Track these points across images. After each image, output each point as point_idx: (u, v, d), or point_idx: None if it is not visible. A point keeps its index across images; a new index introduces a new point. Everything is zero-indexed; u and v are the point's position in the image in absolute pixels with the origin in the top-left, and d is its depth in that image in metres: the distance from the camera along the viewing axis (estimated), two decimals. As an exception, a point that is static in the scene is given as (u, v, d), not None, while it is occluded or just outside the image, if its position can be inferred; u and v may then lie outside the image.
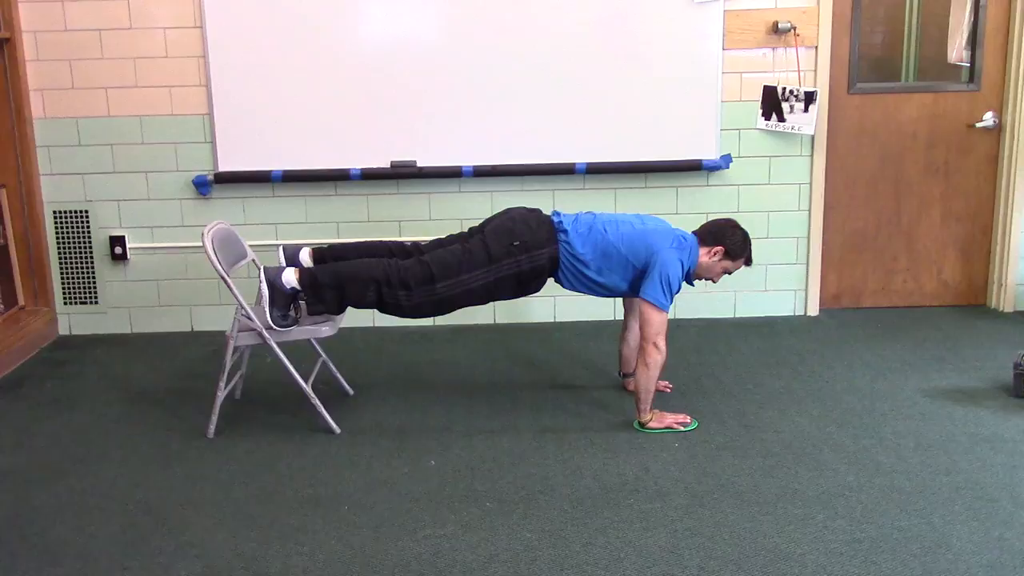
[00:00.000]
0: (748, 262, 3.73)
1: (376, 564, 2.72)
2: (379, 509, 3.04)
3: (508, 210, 3.76)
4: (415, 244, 3.77)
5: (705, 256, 3.64)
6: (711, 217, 4.85)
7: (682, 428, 3.59)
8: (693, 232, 3.70)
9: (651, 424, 3.59)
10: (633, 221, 3.69)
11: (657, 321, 3.50)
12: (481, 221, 3.76)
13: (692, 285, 3.76)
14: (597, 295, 3.72)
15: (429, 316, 3.71)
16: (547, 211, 3.73)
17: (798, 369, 4.26)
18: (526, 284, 3.61)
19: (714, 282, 3.77)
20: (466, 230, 3.79)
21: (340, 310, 3.62)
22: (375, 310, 3.62)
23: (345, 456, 3.44)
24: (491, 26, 4.68)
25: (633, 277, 3.59)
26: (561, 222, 3.62)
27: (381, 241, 3.82)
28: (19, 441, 3.65)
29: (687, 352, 4.49)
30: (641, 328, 3.56)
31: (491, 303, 3.90)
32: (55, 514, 3.05)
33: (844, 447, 3.43)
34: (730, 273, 3.74)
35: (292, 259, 3.72)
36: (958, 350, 4.48)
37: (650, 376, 3.54)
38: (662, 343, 3.51)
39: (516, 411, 3.82)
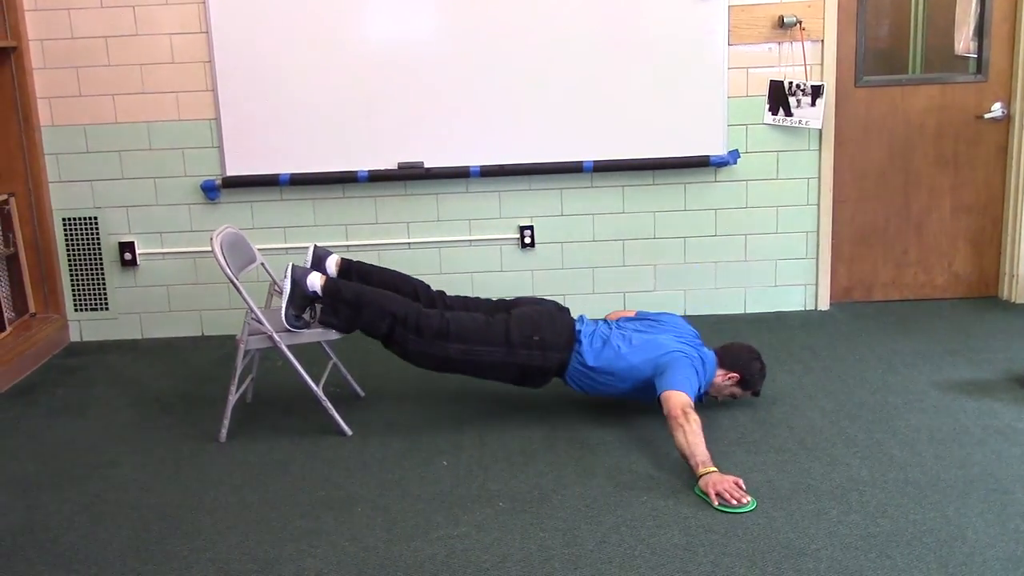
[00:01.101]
0: (756, 394, 3.71)
1: (390, 565, 2.71)
2: (392, 510, 3.04)
3: (543, 301, 3.79)
4: (440, 293, 3.79)
5: (720, 377, 3.61)
6: (720, 213, 4.91)
7: (735, 503, 2.94)
8: (713, 350, 3.66)
9: (702, 483, 3.04)
10: (653, 327, 3.66)
11: (675, 397, 3.25)
12: (512, 298, 3.79)
13: (702, 401, 3.55)
14: (606, 395, 3.68)
15: (426, 368, 3.66)
16: (575, 314, 3.73)
17: (810, 364, 4.24)
18: (528, 378, 3.61)
19: (716, 400, 3.71)
20: (494, 299, 3.82)
21: (349, 330, 3.61)
22: (382, 345, 3.60)
23: (357, 458, 3.44)
24: (495, 26, 4.68)
25: (642, 385, 3.52)
26: (581, 331, 3.60)
27: (408, 278, 3.84)
28: (31, 448, 3.66)
29: (698, 349, 4.48)
30: (666, 412, 3.24)
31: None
32: (68, 520, 3.06)
33: (857, 441, 3.42)
34: (735, 399, 3.71)
35: (319, 262, 3.75)
36: (970, 342, 4.45)
37: (687, 435, 3.13)
38: (690, 410, 3.20)
39: (527, 411, 3.82)
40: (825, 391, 3.91)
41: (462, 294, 3.97)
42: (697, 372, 3.45)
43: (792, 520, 2.87)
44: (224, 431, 3.63)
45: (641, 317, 3.84)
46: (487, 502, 3.07)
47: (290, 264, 3.57)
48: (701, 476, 3.04)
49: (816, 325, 4.81)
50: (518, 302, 3.77)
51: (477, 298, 3.85)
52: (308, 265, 3.74)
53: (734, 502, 2.94)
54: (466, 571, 2.67)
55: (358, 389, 4.06)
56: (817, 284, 5.04)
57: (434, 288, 3.85)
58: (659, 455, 3.35)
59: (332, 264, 3.78)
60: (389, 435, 3.63)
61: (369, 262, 3.98)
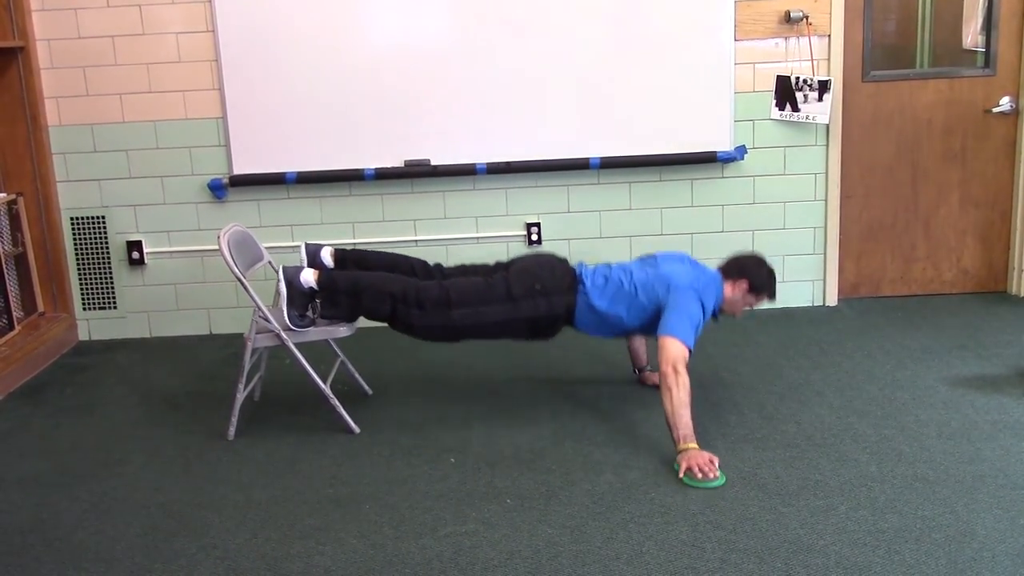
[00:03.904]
0: (772, 296, 3.68)
1: (398, 562, 2.72)
2: (400, 507, 3.04)
3: (538, 254, 3.77)
4: (438, 266, 3.78)
5: (729, 291, 3.59)
6: (727, 209, 4.90)
7: (700, 477, 3.07)
8: (717, 267, 3.66)
9: (679, 459, 3.15)
10: (651, 264, 3.64)
11: (670, 348, 3.27)
12: (510, 259, 3.76)
13: (717, 320, 3.64)
14: (618, 336, 3.68)
15: (437, 340, 3.67)
16: (573, 261, 3.71)
17: (818, 359, 4.23)
18: (539, 330, 3.58)
19: (736, 317, 3.71)
20: (492, 263, 3.79)
21: (353, 318, 3.62)
22: (389, 327, 3.61)
23: (365, 455, 3.45)
24: (501, 23, 4.67)
25: (650, 318, 3.51)
26: (582, 273, 3.59)
27: (405, 256, 3.82)
28: (41, 446, 3.67)
29: (705, 344, 4.47)
30: (659, 358, 3.29)
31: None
32: (77, 518, 3.07)
33: (866, 437, 3.41)
34: (752, 308, 3.70)
35: (313, 258, 3.74)
36: (979, 337, 4.44)
37: (674, 399, 3.19)
38: (682, 368, 3.23)
39: (534, 408, 3.82)
40: (833, 387, 3.91)
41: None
42: (702, 303, 3.43)
43: (800, 516, 2.87)
44: (232, 429, 3.64)
45: (639, 257, 3.81)
46: (495, 499, 3.07)
47: (280, 267, 3.56)
48: (680, 452, 3.15)
49: (824, 321, 4.80)
50: (515, 260, 3.74)
51: (474, 264, 3.81)
52: (304, 264, 3.72)
53: (700, 476, 3.05)
54: (474, 568, 2.67)
55: (366, 387, 4.06)
56: (825, 280, 5.03)
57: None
58: (667, 452, 3.34)
59: (327, 256, 3.76)
60: (397, 433, 3.64)
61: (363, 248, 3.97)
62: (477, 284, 3.54)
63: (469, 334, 3.58)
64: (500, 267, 3.70)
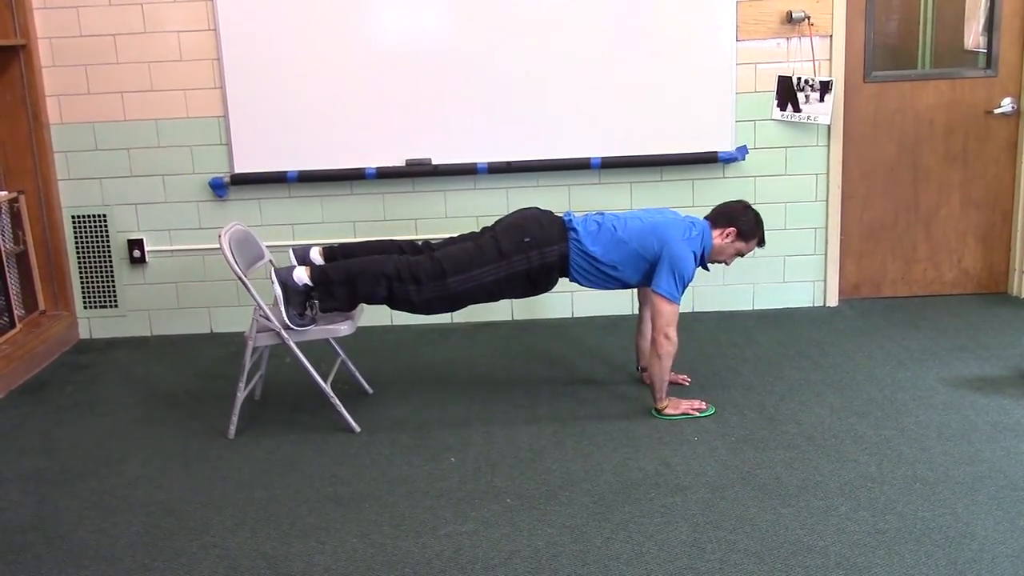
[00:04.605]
0: (761, 243, 3.73)
1: (397, 561, 2.72)
2: (400, 506, 3.04)
3: (522, 209, 3.79)
4: (426, 243, 3.78)
5: (718, 238, 3.65)
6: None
7: (698, 414, 3.63)
8: (704, 217, 3.71)
9: (667, 411, 3.63)
10: (642, 215, 3.70)
11: (668, 312, 3.51)
12: (494, 221, 3.76)
13: (707, 269, 3.76)
14: (610, 288, 3.72)
15: (440, 312, 3.69)
16: (560, 212, 3.73)
17: (818, 360, 4.23)
18: (536, 282, 3.61)
19: (727, 264, 3.78)
20: (479, 229, 3.80)
21: (352, 306, 3.63)
22: (389, 308, 3.63)
23: (365, 454, 3.45)
24: (503, 22, 4.67)
25: (646, 269, 3.60)
26: (571, 220, 3.63)
27: (392, 240, 3.83)
28: (41, 444, 3.67)
29: (706, 344, 4.48)
30: (653, 319, 3.59)
31: (506, 300, 3.88)
32: (78, 516, 3.07)
33: (866, 438, 3.41)
34: (742, 255, 3.75)
35: (303, 259, 3.74)
36: (979, 338, 4.44)
37: (663, 366, 3.57)
38: (673, 333, 3.53)
39: (535, 407, 3.82)
40: (833, 387, 3.91)
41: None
42: (694, 252, 3.56)
43: (800, 517, 2.87)
44: (233, 428, 3.64)
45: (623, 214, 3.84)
46: (495, 498, 3.07)
47: (272, 269, 3.57)
48: (663, 405, 3.64)
49: (824, 321, 4.80)
50: (500, 219, 3.75)
51: (462, 234, 3.83)
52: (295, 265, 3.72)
53: (695, 412, 3.62)
54: (474, 567, 2.67)
55: (366, 386, 4.06)
56: (826, 280, 5.03)
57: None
58: (667, 452, 3.34)
59: (316, 255, 3.75)
60: (397, 432, 3.64)
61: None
62: (467, 249, 3.57)
63: (468, 299, 3.61)
64: (487, 230, 3.71)
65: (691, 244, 3.57)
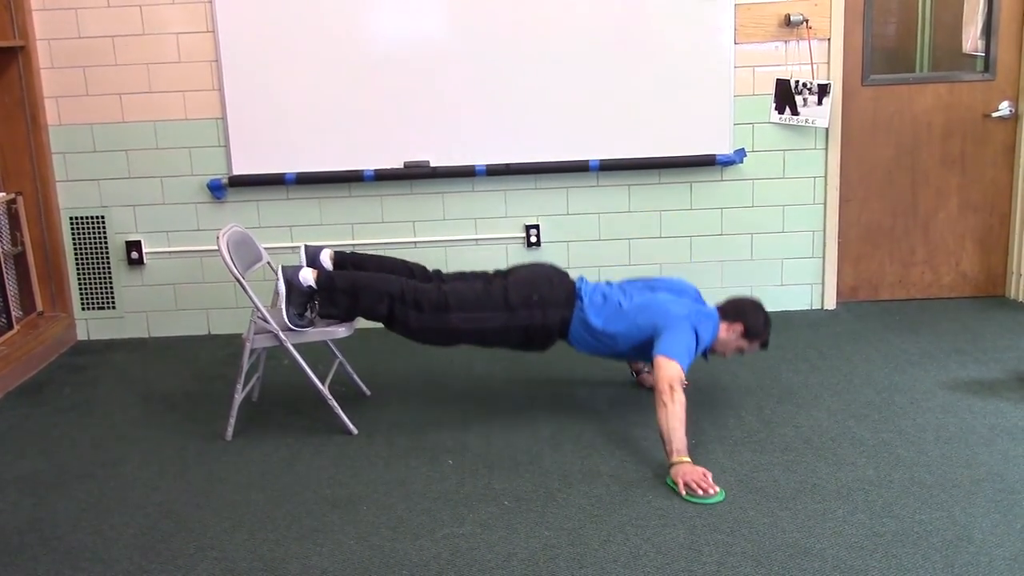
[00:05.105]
0: (764, 345, 3.66)
1: (395, 564, 2.72)
2: (397, 509, 3.04)
3: (539, 264, 3.78)
4: (437, 271, 3.78)
5: (724, 331, 3.57)
6: (726, 212, 4.90)
7: (700, 493, 3.02)
8: (715, 306, 3.65)
9: (676, 476, 3.08)
10: (655, 284, 3.66)
11: (666, 367, 3.25)
12: (509, 267, 3.77)
13: (706, 359, 3.64)
14: (604, 356, 3.69)
15: (431, 343, 3.68)
16: (574, 275, 3.70)
17: (816, 363, 4.23)
18: (532, 339, 3.58)
19: (724, 357, 3.69)
20: (491, 271, 3.79)
21: (350, 317, 3.62)
22: (385, 328, 3.61)
23: (363, 457, 3.45)
24: (501, 25, 4.68)
25: (644, 347, 3.49)
26: (581, 289, 3.59)
27: (403, 261, 3.83)
28: (39, 446, 3.67)
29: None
30: (654, 381, 3.30)
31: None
32: (75, 518, 3.07)
33: (863, 441, 3.41)
34: (743, 353, 3.66)
35: (313, 259, 3.75)
36: (977, 342, 4.44)
37: (668, 417, 3.16)
38: (677, 386, 3.20)
39: (533, 410, 3.82)
40: (831, 390, 3.91)
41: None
42: (697, 334, 3.41)
43: (798, 520, 2.87)
44: (230, 430, 3.64)
45: (642, 278, 3.82)
46: (492, 501, 3.07)
47: (279, 266, 3.57)
48: (673, 465, 3.11)
49: (822, 324, 4.81)
50: (515, 268, 3.76)
51: (474, 272, 3.82)
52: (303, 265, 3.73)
53: (700, 492, 3.00)
54: (471, 570, 2.67)
55: (364, 388, 4.06)
56: (823, 283, 5.03)
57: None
58: (664, 456, 3.34)
59: (326, 258, 3.76)
60: (395, 434, 3.64)
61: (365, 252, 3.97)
62: (475, 290, 3.55)
63: (464, 339, 3.59)
64: (499, 275, 3.71)
65: (694, 324, 3.42)
